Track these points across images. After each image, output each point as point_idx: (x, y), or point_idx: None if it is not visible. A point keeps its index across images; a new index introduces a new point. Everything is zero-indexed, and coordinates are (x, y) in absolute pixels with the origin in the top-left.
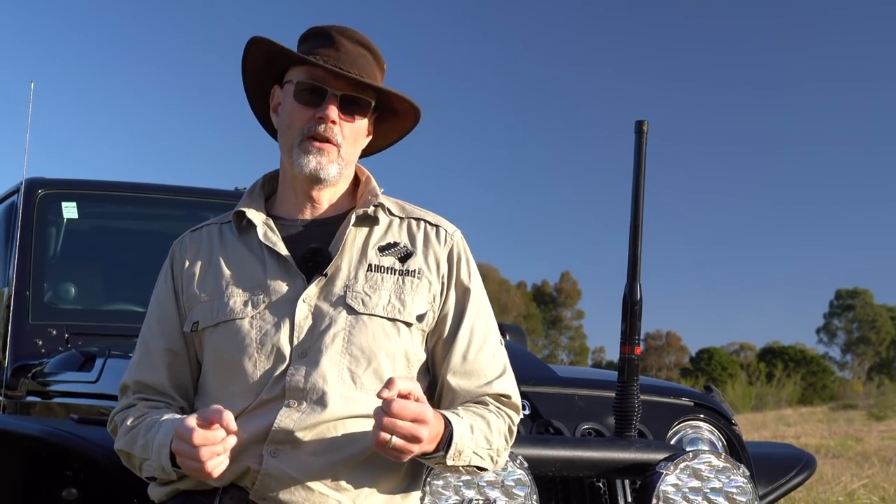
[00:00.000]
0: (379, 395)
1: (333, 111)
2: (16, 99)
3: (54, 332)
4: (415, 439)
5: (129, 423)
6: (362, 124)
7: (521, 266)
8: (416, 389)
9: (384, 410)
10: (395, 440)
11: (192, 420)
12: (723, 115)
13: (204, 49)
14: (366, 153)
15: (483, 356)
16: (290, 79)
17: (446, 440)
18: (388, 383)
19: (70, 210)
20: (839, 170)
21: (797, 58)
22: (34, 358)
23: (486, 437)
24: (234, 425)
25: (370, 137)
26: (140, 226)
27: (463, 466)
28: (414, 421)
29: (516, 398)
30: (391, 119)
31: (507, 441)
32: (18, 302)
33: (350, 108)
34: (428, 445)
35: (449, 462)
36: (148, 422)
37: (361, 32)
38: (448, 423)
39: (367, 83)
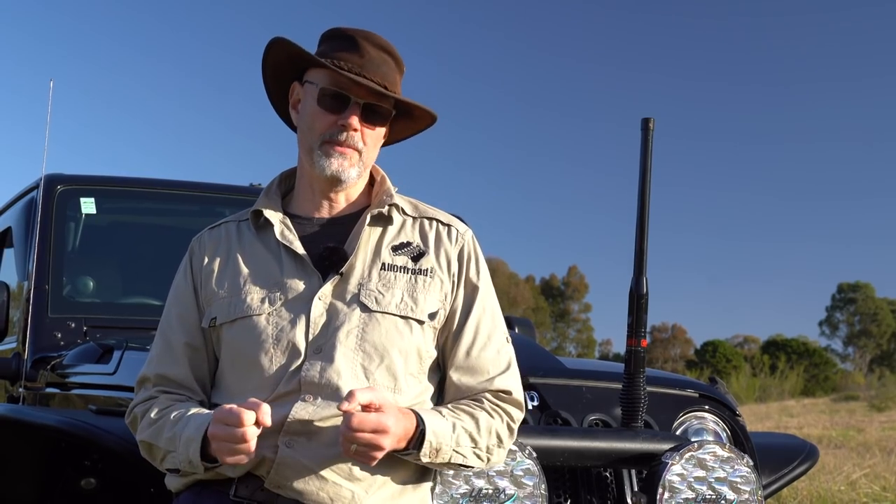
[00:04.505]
0: (339, 409)
1: (356, 120)
2: (36, 97)
3: (73, 325)
4: (376, 447)
5: (152, 415)
6: (381, 131)
7: (530, 260)
8: (377, 399)
9: (345, 424)
10: (358, 448)
11: (233, 405)
12: (726, 113)
13: (220, 47)
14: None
15: (487, 353)
16: (313, 80)
17: (417, 439)
18: (349, 396)
19: (88, 205)
20: (841, 166)
21: (800, 56)
22: (53, 350)
23: (470, 436)
24: (269, 421)
25: (385, 138)
26: (157, 221)
27: (444, 464)
28: (374, 432)
29: (518, 394)
30: (404, 119)
31: (500, 439)
32: (38, 295)
33: (371, 117)
34: (399, 444)
35: (424, 459)
36: (175, 415)
37: (383, 37)
38: (420, 422)
39: (390, 95)
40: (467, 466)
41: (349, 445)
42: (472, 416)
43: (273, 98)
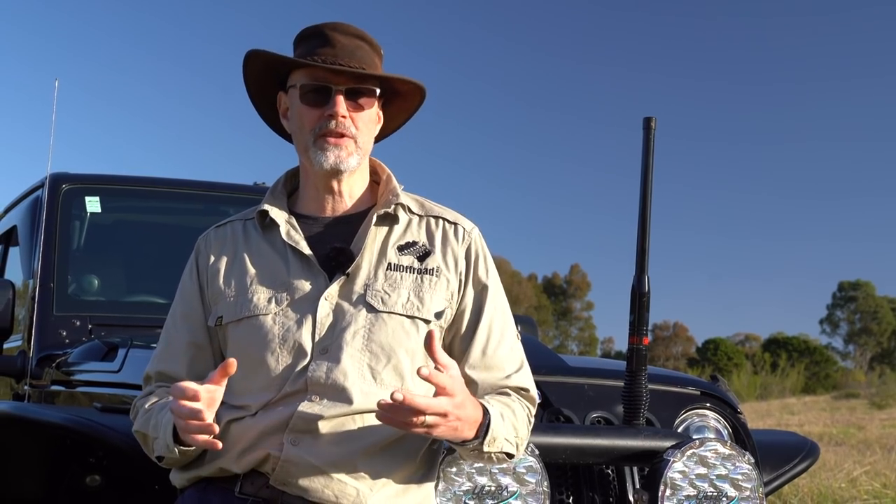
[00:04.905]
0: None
1: (342, 106)
2: (38, 95)
3: (78, 323)
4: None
5: (146, 406)
6: (371, 113)
7: (533, 259)
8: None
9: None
10: (428, 419)
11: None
12: (727, 113)
13: (223, 45)
14: (378, 137)
15: (501, 351)
16: (294, 83)
17: (485, 427)
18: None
19: (93, 204)
20: (842, 165)
21: (799, 56)
22: (58, 348)
23: (513, 425)
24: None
25: (381, 123)
26: (161, 220)
27: (495, 453)
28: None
29: (534, 391)
30: (396, 101)
31: (528, 430)
32: (43, 294)
33: (357, 100)
34: (468, 432)
35: (485, 448)
36: (161, 402)
37: (354, 25)
38: (486, 412)
39: (368, 74)
40: (510, 456)
41: (420, 418)
42: (510, 406)
43: (262, 112)
